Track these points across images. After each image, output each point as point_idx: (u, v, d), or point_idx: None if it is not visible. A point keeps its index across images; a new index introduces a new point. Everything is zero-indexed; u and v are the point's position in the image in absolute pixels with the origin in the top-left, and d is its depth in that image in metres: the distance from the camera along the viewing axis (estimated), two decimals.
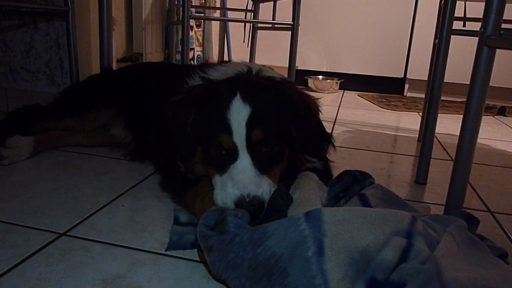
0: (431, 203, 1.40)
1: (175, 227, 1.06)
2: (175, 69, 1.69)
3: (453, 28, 1.47)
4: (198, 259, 0.97)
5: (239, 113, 1.02)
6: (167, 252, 0.99)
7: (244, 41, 2.95)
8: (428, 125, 1.61)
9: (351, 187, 1.14)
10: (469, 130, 1.05)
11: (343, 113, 2.95)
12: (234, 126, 1.02)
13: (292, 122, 1.10)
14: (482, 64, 0.99)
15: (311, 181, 1.13)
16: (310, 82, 3.98)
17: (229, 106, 1.03)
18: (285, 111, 1.08)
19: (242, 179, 0.99)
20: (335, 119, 2.72)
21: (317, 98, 1.26)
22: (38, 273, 0.88)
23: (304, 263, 0.76)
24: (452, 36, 1.53)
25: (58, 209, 1.18)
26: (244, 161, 1.02)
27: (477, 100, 1.05)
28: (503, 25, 1.00)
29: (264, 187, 1.01)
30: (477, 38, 1.04)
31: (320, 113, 1.24)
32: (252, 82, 1.15)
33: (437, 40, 1.67)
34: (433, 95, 1.57)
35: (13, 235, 1.03)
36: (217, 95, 1.08)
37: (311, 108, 1.18)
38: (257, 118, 1.03)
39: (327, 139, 1.39)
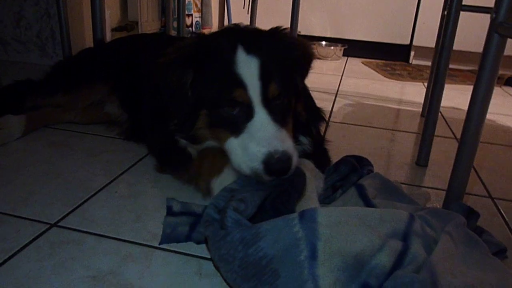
0: (432, 188, 1.37)
1: (168, 219, 1.04)
2: (167, 42, 1.60)
3: (463, 4, 1.38)
4: (190, 253, 0.96)
5: (248, 67, 0.96)
6: (159, 245, 0.98)
7: (244, 8, 2.83)
8: (432, 104, 1.56)
9: (348, 176, 1.11)
10: (475, 122, 1.00)
11: (346, 84, 2.88)
12: (248, 80, 0.96)
13: (295, 69, 1.06)
14: (492, 52, 0.92)
15: (305, 170, 1.09)
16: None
17: (235, 60, 0.96)
18: (289, 58, 1.03)
19: (266, 136, 0.94)
20: (337, 90, 2.65)
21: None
22: (28, 269, 0.87)
23: (296, 267, 0.75)
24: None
25: (50, 196, 1.16)
26: (262, 116, 0.96)
27: (485, 88, 0.99)
28: None
29: (288, 142, 0.96)
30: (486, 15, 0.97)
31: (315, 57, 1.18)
32: (248, 32, 1.08)
33: (445, 12, 1.58)
34: (439, 75, 1.50)
35: (4, 226, 1.01)
36: (216, 50, 1.00)
37: (310, 53, 1.13)
38: (269, 71, 0.97)
39: (319, 115, 1.32)
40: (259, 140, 0.93)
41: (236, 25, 1.17)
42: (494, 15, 0.89)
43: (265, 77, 0.96)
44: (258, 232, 0.79)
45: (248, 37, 1.03)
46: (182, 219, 1.05)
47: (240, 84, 0.96)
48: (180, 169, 1.20)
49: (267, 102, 0.97)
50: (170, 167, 1.26)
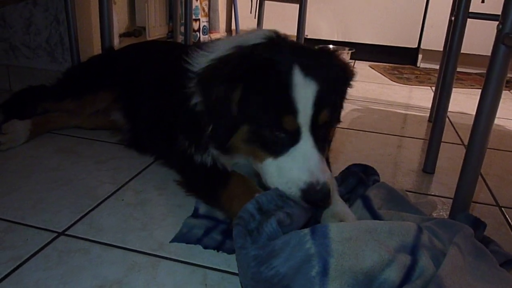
0: (438, 196, 1.36)
1: (189, 220, 1.08)
2: (172, 51, 1.60)
3: (470, 11, 1.37)
4: (196, 262, 0.96)
5: (305, 92, 0.91)
6: (165, 254, 0.98)
7: (251, 12, 2.84)
8: (439, 109, 1.55)
9: (356, 188, 1.11)
10: (481, 131, 1.00)
11: (353, 88, 2.85)
12: (301, 106, 0.90)
13: (341, 92, 1.05)
14: (498, 63, 0.92)
15: None
16: None
17: (292, 83, 0.91)
18: (341, 83, 1.02)
19: (310, 164, 0.90)
20: None
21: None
22: (37, 278, 0.88)
23: (307, 283, 0.75)
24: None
25: (57, 204, 1.17)
26: (308, 143, 0.92)
27: (492, 98, 0.98)
28: None
29: (328, 173, 0.93)
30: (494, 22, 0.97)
31: None
32: (302, 50, 1.01)
33: (453, 18, 1.57)
34: (446, 80, 1.49)
35: (12, 234, 1.02)
36: (271, 67, 0.93)
37: (352, 74, 1.10)
38: (324, 97, 0.92)
39: None
40: (302, 167, 0.91)
41: (277, 34, 1.10)
42: (500, 26, 0.88)
43: (319, 104, 0.92)
44: (272, 250, 0.79)
45: (303, 56, 0.97)
46: (202, 222, 1.08)
47: (292, 110, 0.91)
48: (207, 199, 1.15)
49: (315, 129, 0.93)
50: (197, 192, 1.19)
